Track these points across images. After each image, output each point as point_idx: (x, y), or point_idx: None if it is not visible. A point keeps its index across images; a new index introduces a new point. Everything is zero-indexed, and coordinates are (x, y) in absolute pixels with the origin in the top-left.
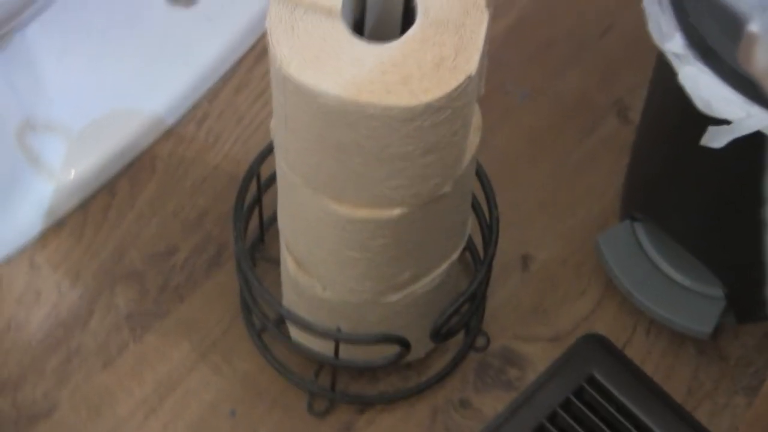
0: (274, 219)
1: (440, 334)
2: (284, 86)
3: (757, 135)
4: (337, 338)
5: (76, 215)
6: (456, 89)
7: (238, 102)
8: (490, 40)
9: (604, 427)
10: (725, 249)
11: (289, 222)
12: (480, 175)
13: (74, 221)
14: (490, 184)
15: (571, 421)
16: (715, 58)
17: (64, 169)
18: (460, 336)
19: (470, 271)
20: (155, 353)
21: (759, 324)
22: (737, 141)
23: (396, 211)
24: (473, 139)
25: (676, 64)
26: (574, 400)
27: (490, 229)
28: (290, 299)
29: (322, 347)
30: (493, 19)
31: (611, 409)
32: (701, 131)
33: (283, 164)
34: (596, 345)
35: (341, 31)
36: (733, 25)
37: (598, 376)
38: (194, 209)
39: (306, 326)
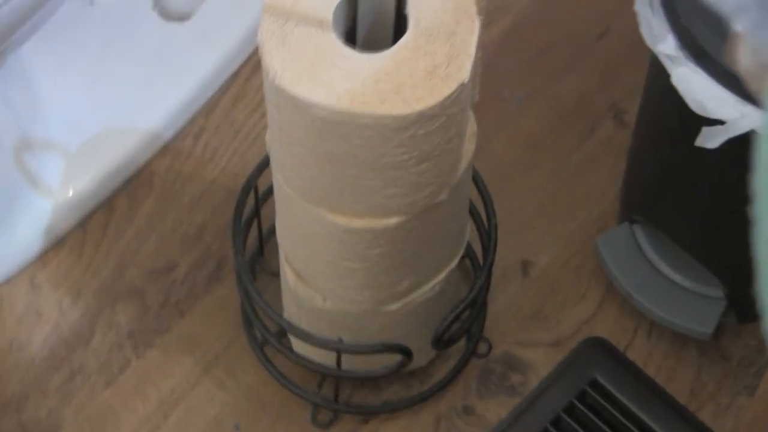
0: (273, 231)
1: (442, 342)
2: (278, 99)
3: (751, 134)
4: (339, 349)
5: (76, 233)
6: (449, 97)
7: (235, 115)
8: (486, 46)
9: (608, 430)
10: (724, 249)
11: (287, 234)
12: (477, 181)
13: (73, 239)
14: (488, 190)
15: (575, 425)
16: (708, 58)
17: (62, 187)
18: (462, 343)
19: (470, 278)
20: (158, 370)
21: (760, 323)
22: (732, 141)
23: (393, 221)
24: (468, 147)
25: (668, 65)
26: (578, 404)
27: (488, 236)
28: (291, 311)
29: (325, 358)
30: (489, 24)
31: (615, 413)
32: (696, 132)
33: (279, 177)
34: (598, 348)
35: (333, 42)
36: (724, 26)
37: (601, 380)
38: (193, 224)
39: (307, 338)
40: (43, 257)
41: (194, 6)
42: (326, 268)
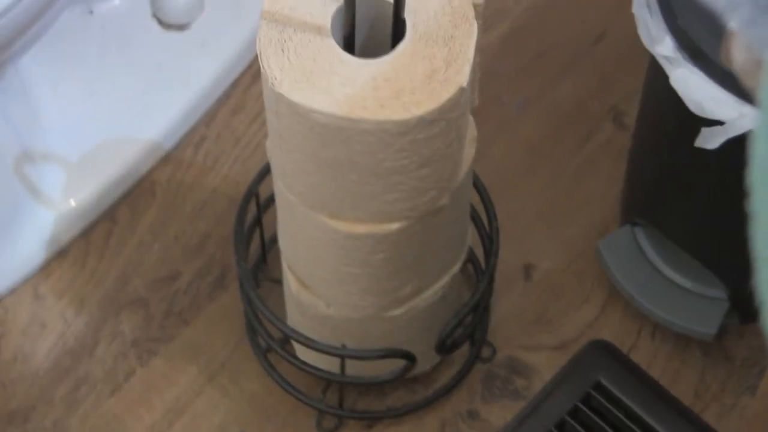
0: (275, 239)
1: (445, 347)
2: (277, 106)
3: (750, 134)
4: (343, 355)
5: (78, 244)
6: (448, 101)
7: (235, 123)
8: (484, 50)
9: None
10: (725, 249)
11: (289, 241)
12: (478, 186)
13: (76, 250)
14: (489, 195)
15: (580, 429)
16: (706, 59)
17: (63, 198)
18: (466, 348)
19: (472, 283)
20: (162, 378)
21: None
22: (731, 141)
23: (394, 226)
24: (469, 151)
25: (667, 67)
26: (582, 407)
27: (490, 240)
28: (294, 318)
29: (329, 365)
30: (487, 29)
31: (619, 415)
32: (696, 133)
33: (280, 184)
34: (602, 351)
35: (332, 49)
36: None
37: (605, 382)
38: (195, 233)
39: (311, 344)
40: (47, 268)
41: (193, 15)
42: (329, 274)
